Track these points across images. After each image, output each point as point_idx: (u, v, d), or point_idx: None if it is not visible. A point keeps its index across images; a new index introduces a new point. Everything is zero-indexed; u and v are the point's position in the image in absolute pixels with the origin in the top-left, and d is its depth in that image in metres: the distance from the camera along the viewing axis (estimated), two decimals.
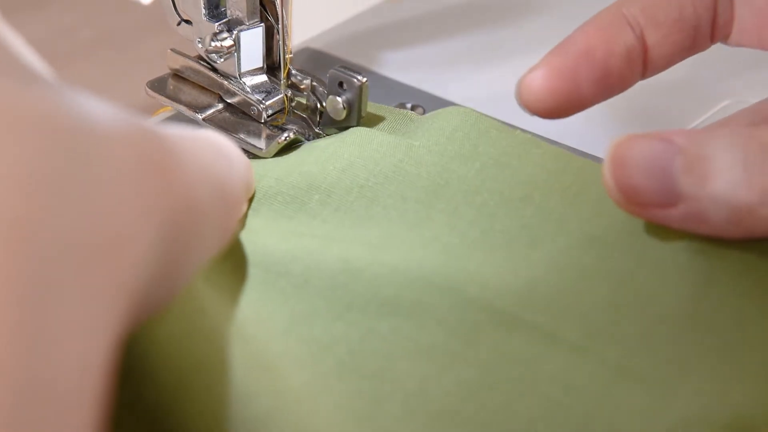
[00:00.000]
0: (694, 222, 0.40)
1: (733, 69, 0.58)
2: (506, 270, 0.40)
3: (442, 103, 0.55)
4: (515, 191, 0.43)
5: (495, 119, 0.47)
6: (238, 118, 0.51)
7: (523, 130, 0.53)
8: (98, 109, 0.27)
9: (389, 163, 0.45)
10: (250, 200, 0.44)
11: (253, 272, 0.41)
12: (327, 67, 0.58)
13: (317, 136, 0.50)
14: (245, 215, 0.44)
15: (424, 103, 0.56)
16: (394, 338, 0.38)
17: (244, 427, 0.34)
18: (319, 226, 0.43)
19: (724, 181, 0.39)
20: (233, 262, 0.41)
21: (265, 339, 0.38)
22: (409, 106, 0.56)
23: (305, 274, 0.40)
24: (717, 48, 0.58)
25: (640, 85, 0.50)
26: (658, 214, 0.40)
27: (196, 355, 0.34)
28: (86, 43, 0.88)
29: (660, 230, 0.41)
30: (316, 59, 0.59)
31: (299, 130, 0.49)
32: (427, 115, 0.49)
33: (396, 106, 0.56)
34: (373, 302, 0.39)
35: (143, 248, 0.27)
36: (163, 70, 0.54)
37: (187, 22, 0.51)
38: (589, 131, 0.53)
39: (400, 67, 0.59)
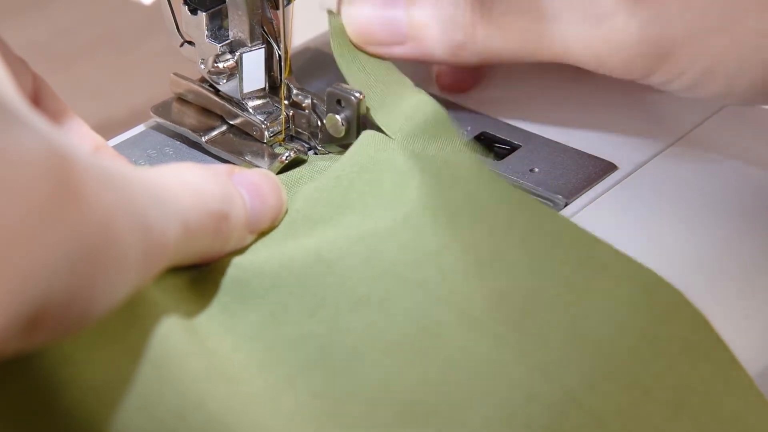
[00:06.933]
0: (421, 57, 0.51)
1: None
2: (476, 279, 0.41)
3: (442, 103, 0.55)
4: (499, 223, 0.44)
5: (496, 171, 0.48)
6: (241, 139, 0.51)
7: (521, 131, 0.53)
8: (26, 138, 0.30)
9: (387, 181, 0.46)
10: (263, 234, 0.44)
11: (231, 272, 0.41)
12: (327, 67, 0.58)
13: (319, 153, 0.51)
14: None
15: None
16: (363, 332, 0.39)
17: None
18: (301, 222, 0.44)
19: (436, 30, 0.50)
20: (212, 266, 0.42)
21: (228, 349, 0.39)
22: None
23: (278, 271, 0.41)
24: None
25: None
26: (393, 51, 0.51)
27: (114, 373, 0.35)
28: (86, 43, 0.88)
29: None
30: (316, 59, 0.59)
31: (300, 149, 0.50)
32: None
33: None
34: (344, 295, 0.40)
35: (44, 255, 0.30)
36: (163, 71, 0.54)
37: (190, 43, 0.51)
38: (590, 131, 0.53)
39: (401, 68, 0.58)
